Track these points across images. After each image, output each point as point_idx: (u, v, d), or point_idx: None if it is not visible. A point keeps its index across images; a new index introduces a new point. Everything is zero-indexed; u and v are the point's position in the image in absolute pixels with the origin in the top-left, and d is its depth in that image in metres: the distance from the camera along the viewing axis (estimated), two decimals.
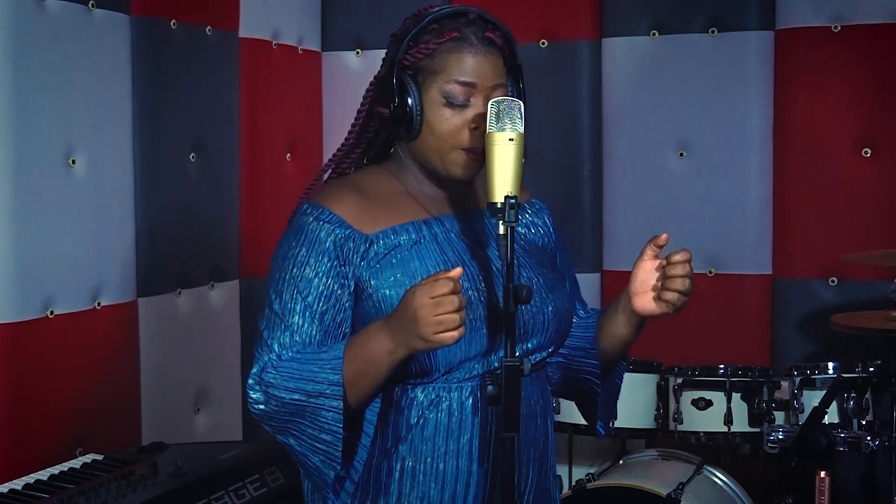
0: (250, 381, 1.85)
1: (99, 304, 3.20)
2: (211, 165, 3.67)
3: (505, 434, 1.73)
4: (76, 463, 2.74)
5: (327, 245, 1.86)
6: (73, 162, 3.11)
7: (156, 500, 2.51)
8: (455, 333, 1.69)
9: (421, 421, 1.86)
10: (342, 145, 2.01)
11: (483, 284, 1.87)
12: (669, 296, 1.87)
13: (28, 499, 2.49)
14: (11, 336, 2.90)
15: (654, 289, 1.90)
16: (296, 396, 1.80)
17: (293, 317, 1.85)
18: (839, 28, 3.85)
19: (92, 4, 3.16)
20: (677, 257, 1.88)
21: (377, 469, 1.88)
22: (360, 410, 1.85)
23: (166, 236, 3.47)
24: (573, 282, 2.12)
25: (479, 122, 1.85)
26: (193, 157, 3.59)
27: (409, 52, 1.88)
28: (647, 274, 1.91)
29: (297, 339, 1.84)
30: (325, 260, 1.85)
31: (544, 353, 1.96)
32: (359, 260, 1.86)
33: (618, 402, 2.13)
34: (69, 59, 3.09)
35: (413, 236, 1.89)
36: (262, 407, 1.84)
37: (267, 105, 3.97)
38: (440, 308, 1.67)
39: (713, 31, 3.99)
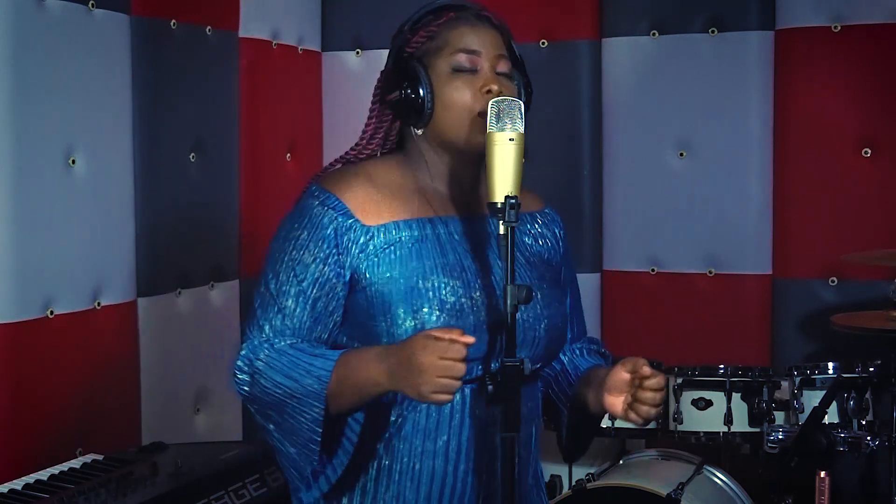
0: (239, 363, 1.85)
1: (99, 304, 3.20)
2: (211, 165, 3.67)
3: (505, 434, 1.73)
4: (76, 463, 2.74)
5: (328, 232, 1.86)
6: (73, 162, 3.11)
7: (156, 500, 2.50)
8: (449, 398, 1.69)
9: (399, 420, 1.86)
10: (359, 140, 2.00)
11: (477, 293, 1.85)
12: (642, 411, 1.83)
13: (28, 499, 2.49)
14: (11, 336, 2.90)
15: (625, 398, 1.85)
16: (279, 391, 1.81)
17: (287, 300, 1.85)
18: (839, 28, 3.85)
19: (92, 4, 3.16)
20: (651, 383, 1.83)
21: (354, 466, 1.87)
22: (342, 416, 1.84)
23: (166, 236, 3.47)
24: (574, 298, 2.10)
25: (491, 85, 1.86)
26: (193, 157, 3.59)
27: (411, 40, 1.92)
28: (621, 381, 1.86)
29: (289, 323, 1.85)
30: (325, 246, 1.85)
31: (534, 368, 1.93)
32: (357, 251, 1.85)
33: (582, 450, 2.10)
34: (69, 59, 3.09)
35: (416, 234, 1.88)
36: (246, 389, 1.85)
37: (267, 105, 3.97)
38: (448, 372, 1.66)
39: (713, 31, 3.99)
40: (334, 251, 1.85)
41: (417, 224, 1.89)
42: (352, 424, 1.85)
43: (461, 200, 1.95)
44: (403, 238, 1.87)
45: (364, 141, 1.99)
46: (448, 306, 1.82)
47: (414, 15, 1.95)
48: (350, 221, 1.86)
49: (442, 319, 1.81)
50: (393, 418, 1.86)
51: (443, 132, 1.90)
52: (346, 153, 2.00)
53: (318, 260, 1.85)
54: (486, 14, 1.94)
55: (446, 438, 1.85)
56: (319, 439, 1.80)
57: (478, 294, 1.85)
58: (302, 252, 1.86)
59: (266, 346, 1.84)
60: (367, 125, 1.99)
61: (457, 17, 1.91)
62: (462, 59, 1.88)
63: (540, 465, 2.05)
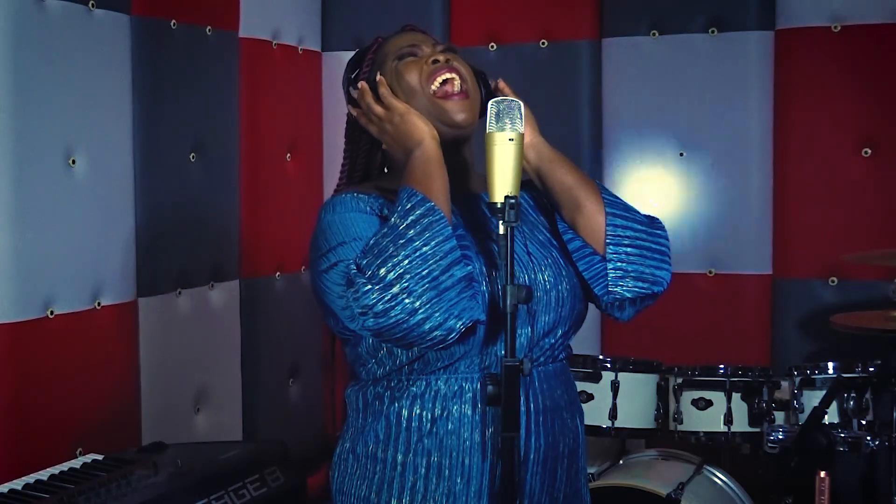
0: (358, 291, 1.71)
1: (99, 304, 3.20)
2: (211, 165, 3.67)
3: (505, 434, 1.73)
4: (76, 463, 2.74)
5: (369, 210, 1.87)
6: (73, 162, 3.11)
7: (156, 500, 2.51)
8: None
9: (445, 413, 1.86)
10: (341, 173, 2.06)
11: (493, 269, 1.86)
12: None
13: (28, 499, 2.49)
14: (11, 336, 2.91)
15: None
16: (392, 237, 1.75)
17: (356, 231, 1.83)
18: (839, 28, 3.85)
19: (92, 4, 3.16)
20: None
21: (403, 465, 1.88)
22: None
23: (166, 236, 3.47)
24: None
25: (436, 56, 1.95)
26: (193, 157, 3.60)
27: (359, 76, 2.00)
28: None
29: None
30: (368, 209, 1.87)
31: (561, 332, 1.95)
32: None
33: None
34: (69, 59, 3.09)
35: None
36: (372, 288, 1.71)
37: (267, 105, 3.97)
38: None
39: (713, 31, 3.99)
40: (375, 214, 1.87)
41: None
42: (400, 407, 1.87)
43: (454, 188, 1.92)
44: None
45: (346, 172, 2.04)
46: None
47: (351, 60, 2.06)
48: (381, 201, 1.89)
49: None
50: (438, 411, 1.86)
51: None
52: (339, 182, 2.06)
53: (367, 211, 1.87)
54: (410, 25, 2.08)
55: (493, 430, 1.86)
56: (452, 233, 1.76)
57: (493, 269, 1.86)
58: (353, 218, 1.85)
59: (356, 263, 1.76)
60: (343, 165, 2.05)
61: (385, 37, 2.04)
62: (404, 52, 1.98)
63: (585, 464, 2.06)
